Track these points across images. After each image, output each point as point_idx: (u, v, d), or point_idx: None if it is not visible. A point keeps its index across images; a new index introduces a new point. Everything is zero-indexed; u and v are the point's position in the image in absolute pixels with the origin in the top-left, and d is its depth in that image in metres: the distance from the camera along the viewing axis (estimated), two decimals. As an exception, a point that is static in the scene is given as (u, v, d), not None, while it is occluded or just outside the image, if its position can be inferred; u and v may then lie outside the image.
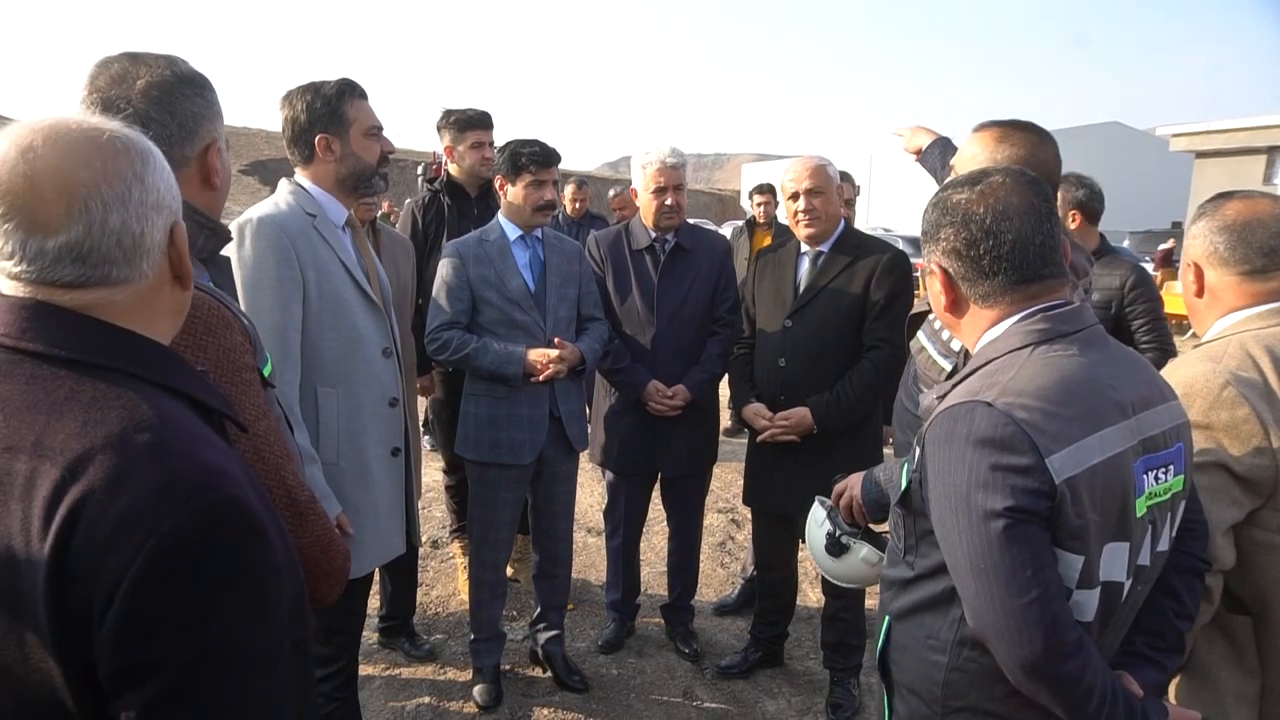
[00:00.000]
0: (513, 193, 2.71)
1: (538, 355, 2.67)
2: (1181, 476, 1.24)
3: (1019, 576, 1.08)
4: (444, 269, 2.74)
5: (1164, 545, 1.25)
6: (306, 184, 2.09)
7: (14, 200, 0.81)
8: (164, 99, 1.33)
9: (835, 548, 1.92)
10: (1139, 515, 1.17)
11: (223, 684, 0.80)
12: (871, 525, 1.91)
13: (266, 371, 1.50)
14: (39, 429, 0.80)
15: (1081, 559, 1.13)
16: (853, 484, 1.86)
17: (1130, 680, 1.22)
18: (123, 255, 0.86)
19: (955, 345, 1.85)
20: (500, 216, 2.81)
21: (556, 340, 2.74)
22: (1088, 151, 21.83)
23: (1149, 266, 12.25)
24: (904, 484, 1.30)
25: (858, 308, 2.69)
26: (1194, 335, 1.74)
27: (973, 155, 1.77)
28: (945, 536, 1.17)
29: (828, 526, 1.95)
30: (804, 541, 2.14)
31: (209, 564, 0.79)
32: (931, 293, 1.34)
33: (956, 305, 1.29)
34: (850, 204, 3.80)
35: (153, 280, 0.90)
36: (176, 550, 0.77)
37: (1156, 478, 1.19)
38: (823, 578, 2.92)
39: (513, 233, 2.77)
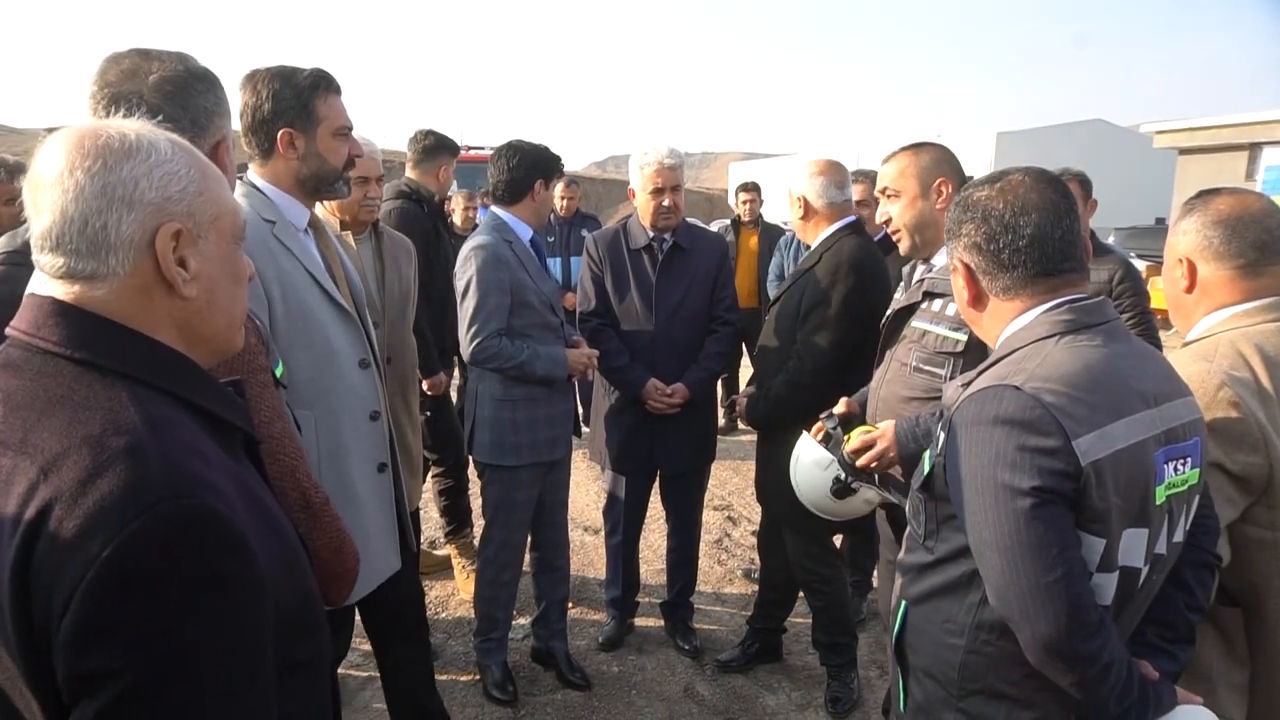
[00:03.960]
0: (543, 196, 2.79)
1: (578, 356, 2.78)
2: (1198, 470, 1.27)
3: (1044, 555, 1.12)
4: (487, 272, 2.64)
5: (1179, 536, 1.28)
6: (261, 184, 1.89)
7: (28, 188, 0.89)
8: (177, 94, 1.33)
9: (844, 492, 2.03)
10: (1158, 503, 1.21)
11: (182, 701, 0.77)
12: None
13: (279, 373, 1.51)
14: (28, 426, 0.81)
15: (1103, 542, 1.16)
16: (889, 443, 1.95)
17: (1145, 665, 1.25)
18: (86, 247, 0.85)
19: None
20: (508, 218, 2.77)
21: (578, 340, 2.87)
22: (1072, 149, 21.97)
23: (1139, 263, 12.28)
24: (927, 468, 1.33)
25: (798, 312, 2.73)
26: (1175, 331, 1.76)
27: (900, 171, 2.14)
28: (971, 516, 1.20)
29: (836, 471, 2.03)
30: (792, 480, 2.25)
31: (172, 574, 0.76)
32: (955, 288, 1.39)
33: (978, 300, 1.34)
34: (865, 204, 3.80)
35: (130, 279, 0.88)
36: (136, 557, 0.74)
37: (1175, 469, 1.23)
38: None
39: (525, 234, 2.79)
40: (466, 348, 2.69)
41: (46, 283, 0.90)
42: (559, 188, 6.05)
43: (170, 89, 1.33)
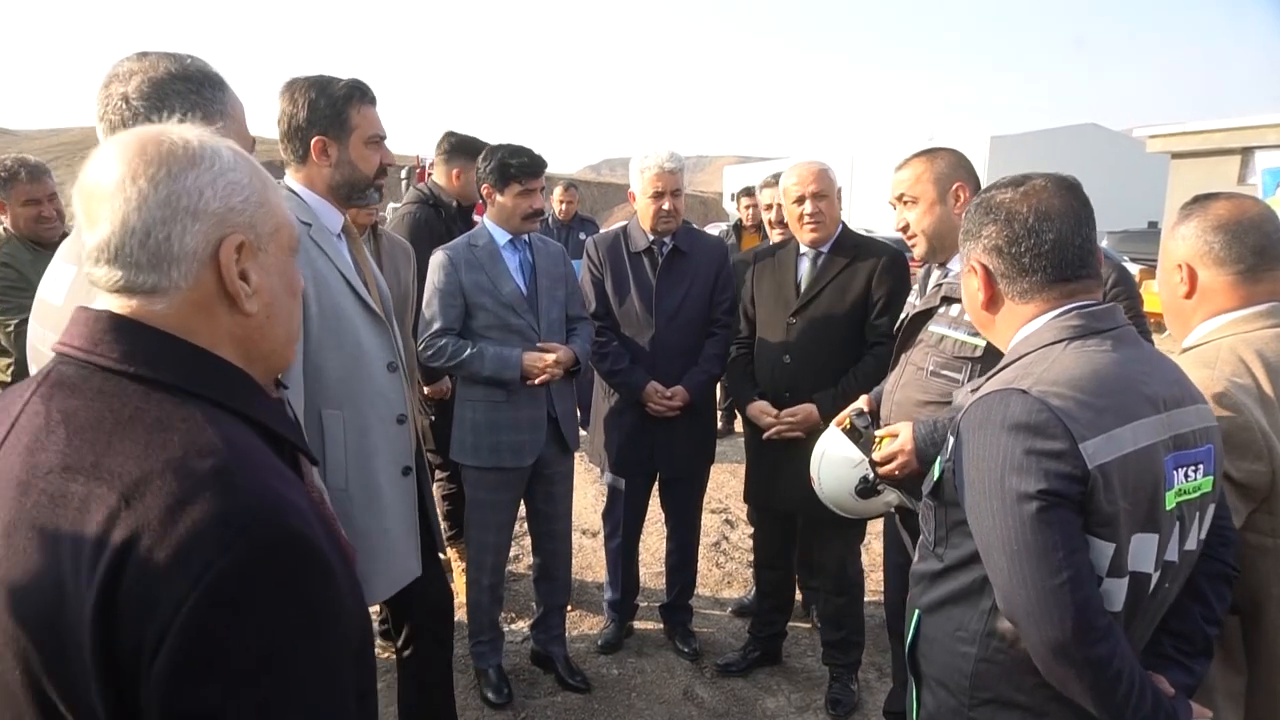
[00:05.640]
0: (500, 201, 2.74)
1: (534, 359, 2.70)
2: (1211, 478, 1.26)
3: (1050, 558, 1.11)
4: (435, 275, 2.74)
5: (1192, 544, 1.27)
6: (298, 188, 1.96)
7: (80, 196, 0.84)
8: (153, 94, 1.34)
9: (869, 493, 2.05)
10: (1168, 509, 1.20)
11: None
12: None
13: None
14: (99, 450, 0.76)
15: (1112, 546, 1.16)
16: (909, 455, 1.95)
17: (1162, 680, 1.24)
18: (147, 259, 0.82)
19: None
20: (486, 221, 2.82)
21: (546, 344, 2.76)
22: (1065, 153, 22.08)
23: (1132, 266, 12.39)
24: (936, 474, 1.33)
25: (859, 305, 2.74)
26: (1167, 335, 1.74)
27: (916, 177, 2.15)
28: (978, 520, 1.20)
29: (865, 472, 2.04)
30: (813, 474, 2.24)
31: (270, 603, 0.74)
32: (968, 290, 1.39)
33: (993, 302, 1.34)
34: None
35: (191, 293, 0.84)
36: (235, 586, 0.71)
37: (1186, 475, 1.22)
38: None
39: (501, 237, 2.79)
40: (417, 347, 2.80)
41: (99, 297, 0.85)
42: (556, 192, 6.07)
43: (147, 89, 1.34)
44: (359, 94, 1.95)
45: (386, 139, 2.03)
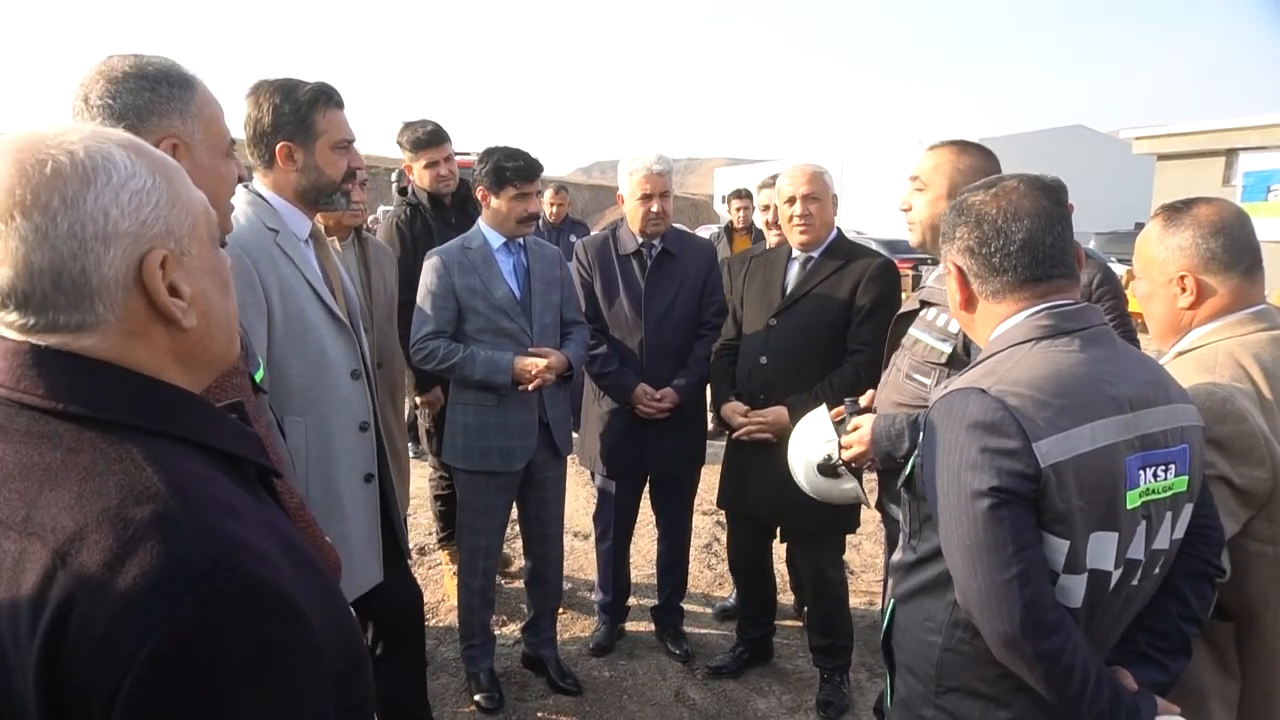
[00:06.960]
0: (495, 204, 2.74)
1: (526, 364, 2.69)
2: (1185, 477, 1.26)
3: (1001, 554, 1.14)
4: (428, 277, 2.74)
5: (1163, 543, 1.27)
6: (266, 193, 1.94)
7: None
8: (109, 92, 1.33)
9: (830, 472, 2.14)
10: (1130, 508, 1.21)
11: None
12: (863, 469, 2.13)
13: (259, 377, 1.49)
14: (30, 501, 0.70)
15: (1067, 544, 1.17)
16: (866, 446, 2.02)
17: (1125, 674, 1.25)
18: (65, 300, 0.73)
19: (953, 328, 1.93)
20: (482, 224, 2.82)
21: (539, 349, 2.75)
22: (1052, 155, 22.23)
23: (1118, 267, 12.40)
24: (909, 469, 1.36)
25: (843, 312, 2.73)
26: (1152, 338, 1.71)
27: (935, 166, 2.06)
28: (940, 515, 1.23)
29: (831, 450, 2.13)
30: (790, 444, 2.31)
31: (225, 658, 0.67)
32: (949, 292, 1.40)
33: (969, 303, 1.36)
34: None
35: (122, 323, 0.76)
36: (184, 645, 0.65)
37: (1155, 475, 1.22)
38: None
39: (496, 240, 2.79)
40: (410, 349, 2.80)
41: (19, 333, 0.76)
42: (547, 194, 6.08)
43: (103, 86, 1.33)
44: (325, 98, 1.92)
45: (355, 142, 2.01)
